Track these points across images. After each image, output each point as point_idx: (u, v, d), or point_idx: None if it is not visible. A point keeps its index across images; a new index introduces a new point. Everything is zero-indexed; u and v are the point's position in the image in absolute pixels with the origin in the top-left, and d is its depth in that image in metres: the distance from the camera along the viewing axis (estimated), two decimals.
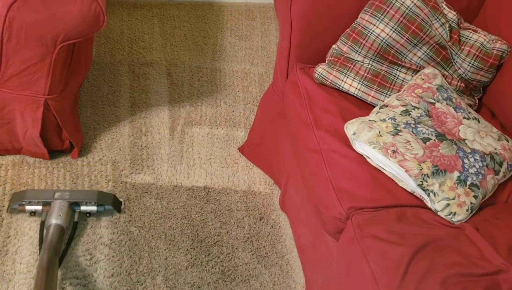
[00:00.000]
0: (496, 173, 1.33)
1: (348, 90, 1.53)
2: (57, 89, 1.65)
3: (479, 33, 1.54)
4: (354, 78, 1.52)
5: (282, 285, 1.57)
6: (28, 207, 1.57)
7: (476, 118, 1.42)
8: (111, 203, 1.62)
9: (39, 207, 1.57)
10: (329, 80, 1.54)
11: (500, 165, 1.34)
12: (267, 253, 1.66)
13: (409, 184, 1.29)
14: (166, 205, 1.75)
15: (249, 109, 2.20)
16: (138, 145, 1.95)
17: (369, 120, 1.38)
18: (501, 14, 1.57)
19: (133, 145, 1.94)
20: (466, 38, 1.54)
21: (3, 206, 1.63)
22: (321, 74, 1.55)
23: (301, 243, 1.60)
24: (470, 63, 1.52)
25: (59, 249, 1.46)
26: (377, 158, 1.32)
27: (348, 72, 1.53)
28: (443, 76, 1.53)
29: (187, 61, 2.37)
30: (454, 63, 1.54)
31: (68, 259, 1.54)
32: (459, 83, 1.55)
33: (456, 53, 1.53)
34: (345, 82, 1.53)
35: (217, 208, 1.78)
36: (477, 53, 1.51)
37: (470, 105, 1.57)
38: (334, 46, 1.58)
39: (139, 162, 1.89)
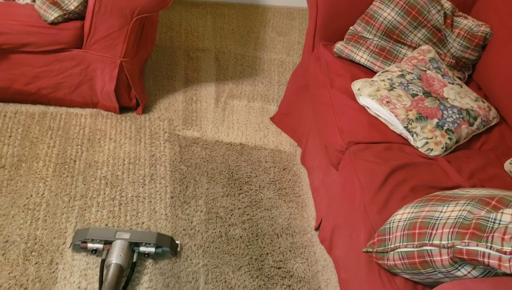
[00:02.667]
0: (471, 124, 1.67)
1: (359, 60, 1.91)
2: (130, 54, 2.11)
3: (468, 19, 1.90)
4: (364, 52, 1.90)
5: (296, 215, 1.94)
6: (90, 245, 1.63)
7: (459, 84, 1.77)
8: (168, 246, 1.66)
9: (100, 246, 1.63)
10: (344, 53, 1.93)
11: (475, 119, 1.67)
12: (287, 193, 2.03)
13: (398, 127, 1.65)
14: (209, 153, 2.16)
15: (282, 90, 2.60)
16: (189, 109, 2.38)
17: (371, 80, 1.76)
18: (489, 6, 1.92)
19: (185, 109, 2.38)
20: (458, 23, 1.89)
21: (83, 135, 2.08)
22: (339, 48, 1.94)
23: (315, 185, 1.96)
24: (459, 43, 1.87)
25: (118, 288, 1.52)
26: (374, 107, 1.69)
27: (360, 47, 1.91)
28: (438, 53, 1.88)
29: (232, 49, 2.81)
30: (447, 44, 1.90)
31: None
32: (450, 60, 1.90)
33: (449, 35, 1.89)
34: (357, 54, 1.91)
35: (249, 159, 2.17)
36: (465, 35, 1.86)
37: (460, 78, 1.91)
38: (351, 27, 1.97)
39: (189, 121, 2.32)
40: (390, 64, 1.89)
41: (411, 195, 1.40)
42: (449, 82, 1.75)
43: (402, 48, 1.90)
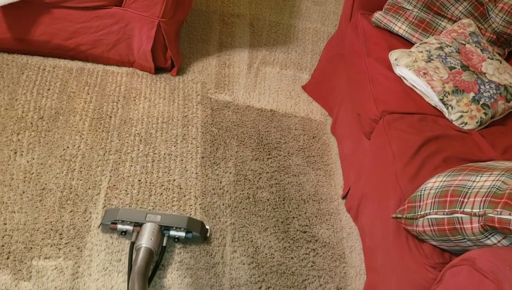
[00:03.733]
0: (508, 101, 1.65)
1: (397, 31, 1.89)
2: (168, 15, 2.13)
3: None
4: (403, 22, 1.88)
5: (324, 183, 1.97)
6: (120, 227, 1.58)
7: (499, 60, 1.74)
8: (199, 231, 1.62)
9: (130, 227, 1.58)
10: (383, 23, 1.91)
11: None
12: (315, 161, 2.05)
13: (433, 99, 1.64)
14: (240, 118, 2.19)
15: (315, 59, 2.60)
16: (222, 74, 2.40)
17: (409, 51, 1.74)
18: None
19: (218, 73, 2.40)
20: None
21: (119, 93, 2.13)
22: (378, 18, 1.92)
23: (344, 154, 1.98)
24: (502, 18, 1.83)
25: (148, 273, 1.46)
26: (411, 78, 1.68)
27: (399, 18, 1.89)
28: (478, 28, 1.85)
29: (267, 16, 2.80)
30: (489, 18, 1.86)
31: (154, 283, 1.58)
32: (491, 35, 1.87)
33: (492, 9, 1.85)
34: (395, 24, 1.89)
35: (279, 125, 2.19)
36: (509, 9, 1.82)
37: (499, 54, 1.88)
38: None
39: (222, 86, 2.34)
40: (428, 36, 1.86)
41: (443, 166, 1.40)
42: (488, 57, 1.72)
43: (442, 21, 1.87)
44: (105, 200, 1.76)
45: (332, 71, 2.21)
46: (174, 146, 2.01)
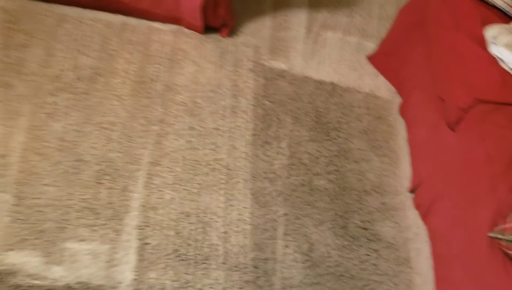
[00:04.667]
0: None
1: (494, 2, 1.59)
2: None
3: None
4: None
5: (389, 172, 1.73)
6: None
7: None
8: None
9: None
10: None
11: None
12: (380, 146, 1.81)
13: None
14: (296, 90, 1.95)
15: (383, 26, 2.30)
16: (277, 37, 2.15)
17: (511, 27, 1.45)
18: None
19: (273, 37, 2.14)
20: None
21: (163, 54, 1.92)
22: None
23: (416, 141, 1.73)
24: None
25: None
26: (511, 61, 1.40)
27: None
28: None
29: None
30: None
31: None
32: None
33: None
34: None
35: (340, 102, 1.94)
36: None
37: None
38: None
39: (277, 51, 2.09)
40: None
41: None
42: None
43: None
44: (146, 177, 1.58)
45: (405, 43, 1.93)
46: (222, 119, 1.80)
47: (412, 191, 1.66)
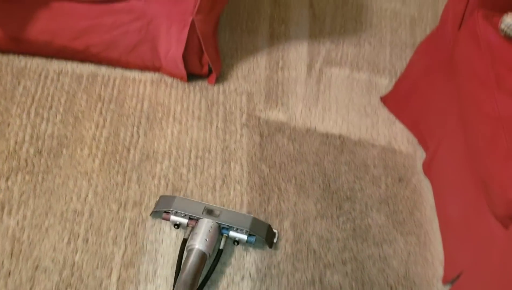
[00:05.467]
0: None
1: None
2: (205, 9, 1.55)
3: None
4: None
5: (417, 256, 1.43)
6: (173, 218, 1.37)
7: None
8: (264, 235, 1.37)
9: (185, 221, 1.37)
10: None
11: None
12: (404, 219, 1.50)
13: None
14: (298, 148, 1.64)
15: (396, 55, 1.98)
16: (274, 80, 1.83)
17: None
18: None
19: (269, 79, 1.83)
20: None
21: (141, 112, 1.62)
22: (511, 24, 1.29)
23: (447, 215, 1.42)
24: None
25: (197, 282, 1.25)
26: None
27: None
28: None
29: None
30: None
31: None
32: None
33: None
34: None
35: (352, 160, 1.63)
36: None
37: None
38: None
39: (274, 97, 1.78)
40: None
41: None
42: None
43: None
44: (121, 287, 1.29)
45: (427, 85, 1.61)
46: (211, 193, 1.50)
47: (447, 282, 1.36)
